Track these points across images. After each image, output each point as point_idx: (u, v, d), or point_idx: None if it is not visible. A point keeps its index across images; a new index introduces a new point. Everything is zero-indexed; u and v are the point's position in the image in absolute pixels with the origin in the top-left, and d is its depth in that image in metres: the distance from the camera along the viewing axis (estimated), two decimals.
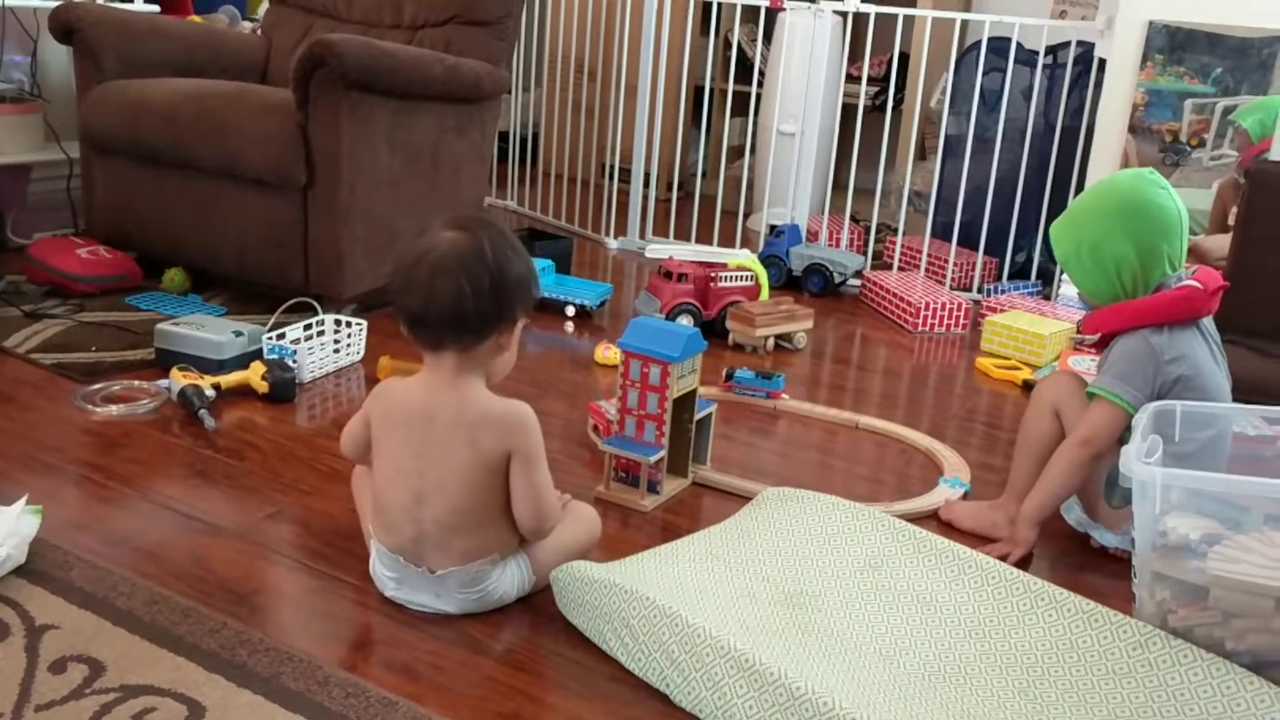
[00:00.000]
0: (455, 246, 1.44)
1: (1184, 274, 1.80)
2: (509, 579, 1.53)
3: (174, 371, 2.19)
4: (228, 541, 1.68)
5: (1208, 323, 1.81)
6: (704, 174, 4.72)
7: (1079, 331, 1.89)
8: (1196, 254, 3.14)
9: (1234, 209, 3.07)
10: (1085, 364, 2.56)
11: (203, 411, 2.08)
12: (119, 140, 2.84)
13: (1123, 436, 1.80)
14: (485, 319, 1.46)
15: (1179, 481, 1.47)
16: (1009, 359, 2.89)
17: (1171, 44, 3.14)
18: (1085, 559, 1.86)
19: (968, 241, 3.56)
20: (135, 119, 2.79)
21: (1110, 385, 1.77)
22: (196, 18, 3.72)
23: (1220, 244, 3.06)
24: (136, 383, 2.24)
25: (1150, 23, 3.15)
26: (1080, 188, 3.34)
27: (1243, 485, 1.49)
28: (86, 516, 1.72)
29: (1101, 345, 1.86)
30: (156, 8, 3.60)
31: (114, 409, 2.13)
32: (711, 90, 4.64)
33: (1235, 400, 1.89)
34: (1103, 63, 3.32)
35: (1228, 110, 3.12)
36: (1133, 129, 3.23)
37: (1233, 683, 1.35)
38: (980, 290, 3.51)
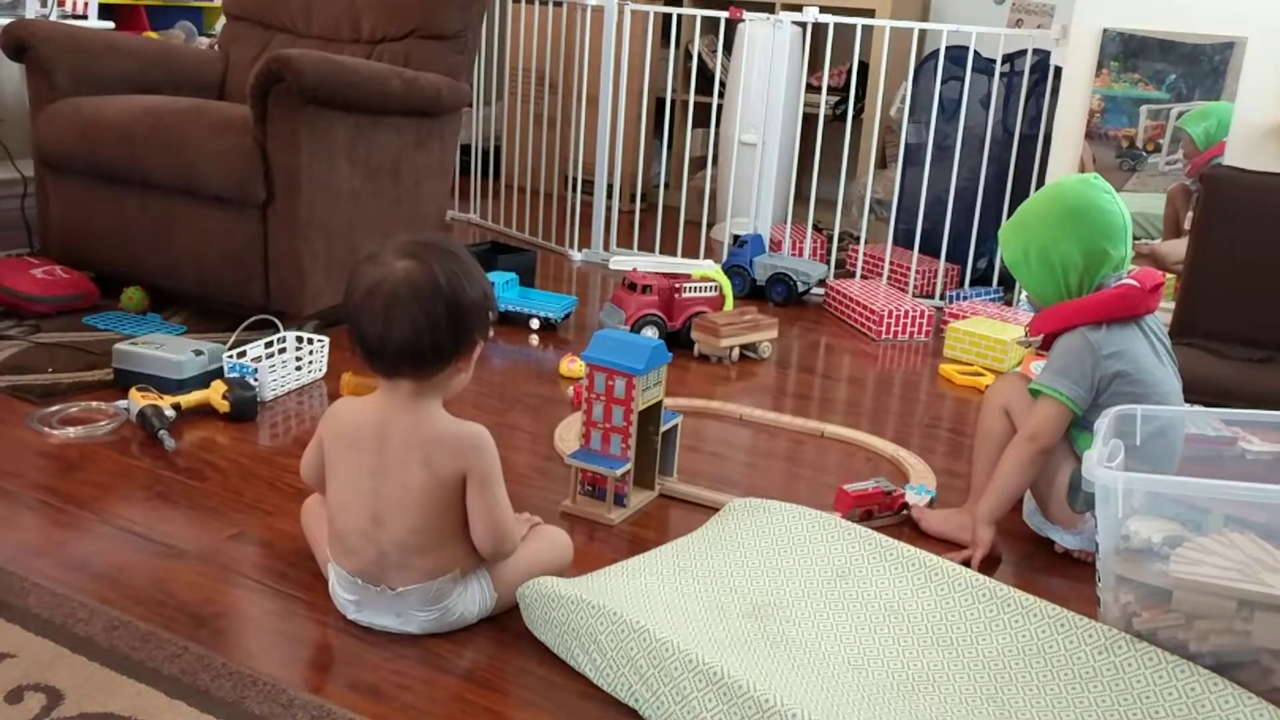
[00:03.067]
0: (409, 278, 1.41)
1: (1124, 274, 1.84)
2: (470, 597, 1.52)
3: (133, 392, 2.16)
4: (189, 564, 1.66)
5: (1152, 321, 1.85)
6: (667, 185, 4.73)
7: (1027, 334, 1.93)
8: (1154, 259, 3.19)
9: (1186, 214, 3.12)
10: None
11: (162, 432, 2.05)
12: (74, 158, 2.81)
13: (1073, 435, 1.82)
14: (441, 351, 1.44)
15: (1140, 485, 1.48)
16: (972, 365, 2.91)
17: (1126, 51, 3.18)
18: (1049, 563, 1.87)
19: (929, 249, 3.59)
20: (90, 137, 2.75)
21: (1050, 381, 1.81)
22: (152, 34, 3.69)
23: (1176, 249, 3.10)
24: (94, 404, 2.21)
25: (1104, 30, 3.19)
26: None
27: (1202, 488, 1.51)
28: (44, 541, 1.69)
29: (1046, 343, 1.89)
30: (111, 24, 3.57)
31: (71, 431, 2.10)
32: (673, 101, 4.65)
33: (1192, 402, 1.91)
34: (1059, 70, 3.35)
35: (1182, 115, 3.17)
36: (1090, 135, 3.27)
37: (1197, 685, 1.36)
38: (942, 297, 3.53)
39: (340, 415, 1.54)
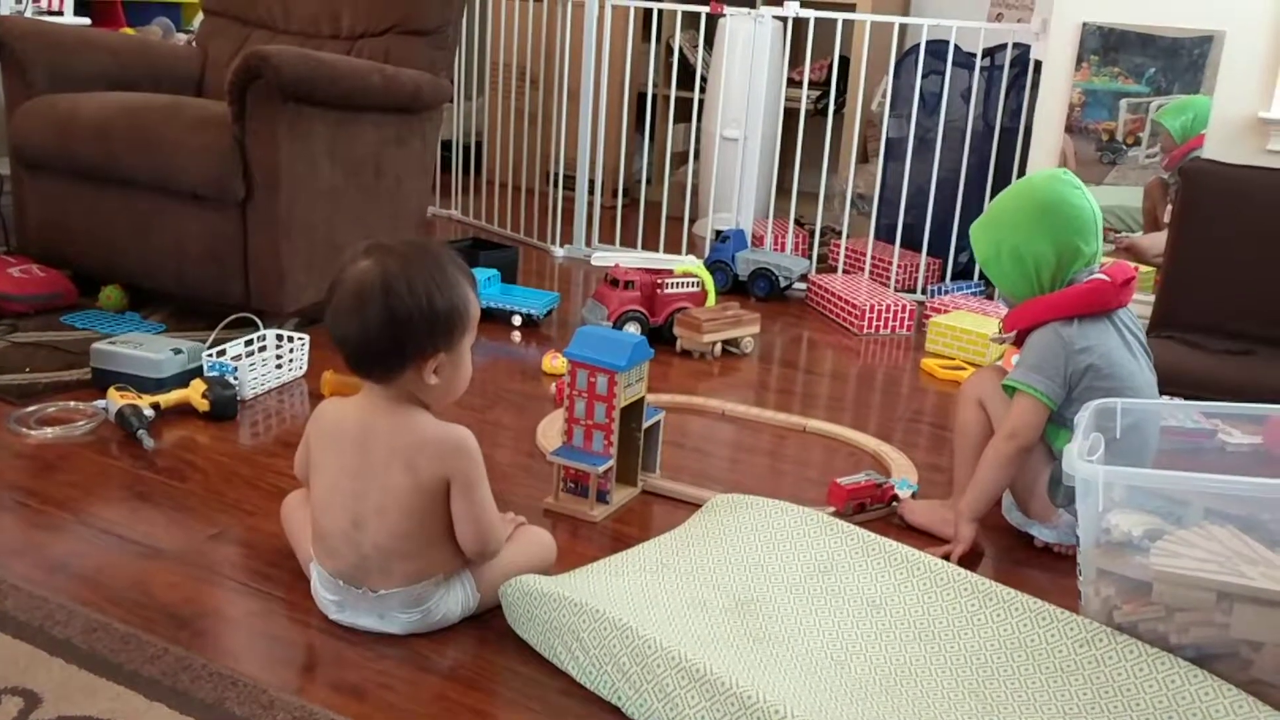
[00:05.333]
0: (355, 280, 1.40)
1: (1096, 269, 1.85)
2: (453, 598, 1.51)
3: (111, 391, 2.14)
4: (169, 565, 1.65)
5: (1126, 315, 1.86)
6: (649, 180, 4.72)
7: (1000, 331, 1.93)
8: (1134, 252, 3.20)
9: (1164, 207, 3.14)
10: None
11: (141, 432, 2.04)
12: (50, 156, 2.78)
13: (1047, 431, 1.83)
14: (384, 356, 1.42)
15: (1121, 479, 1.48)
16: (953, 359, 2.92)
17: (1105, 45, 3.19)
18: (1030, 557, 1.88)
19: (911, 243, 3.59)
20: (67, 134, 2.73)
21: (1024, 377, 1.82)
22: (129, 30, 3.66)
23: (1156, 242, 3.12)
24: (73, 404, 2.19)
25: (1084, 24, 3.20)
26: None
27: (1182, 481, 1.51)
28: (21, 543, 1.68)
29: (1019, 340, 1.90)
30: (87, 20, 3.54)
31: (49, 431, 2.08)
32: (654, 96, 4.64)
33: (1172, 395, 1.92)
34: (1039, 64, 3.36)
35: (1160, 108, 3.18)
36: (1070, 129, 3.28)
37: (1177, 677, 1.37)
38: (924, 291, 3.54)
39: (325, 415, 1.53)
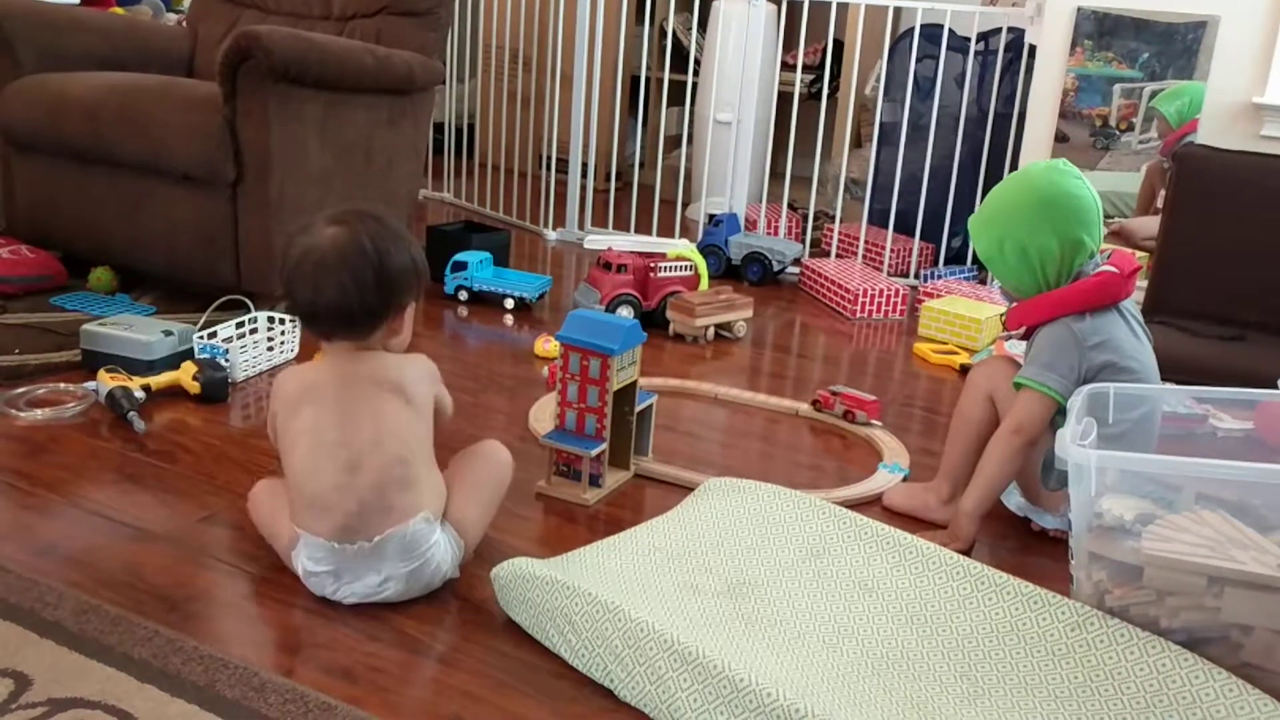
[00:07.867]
0: (335, 243, 1.48)
1: (1100, 259, 1.83)
2: (442, 549, 1.54)
3: (101, 373, 2.13)
4: (160, 547, 1.64)
5: (1128, 303, 1.85)
6: (642, 164, 4.72)
7: (1005, 328, 1.90)
8: (1123, 236, 3.20)
9: (1161, 191, 3.14)
10: (1021, 348, 2.58)
11: (132, 414, 2.03)
12: (40, 136, 2.76)
13: (1055, 421, 1.82)
14: (372, 312, 1.51)
15: (1113, 463, 1.48)
16: (946, 344, 2.92)
17: (1100, 30, 3.18)
18: (1025, 541, 1.88)
19: (904, 228, 3.59)
20: (56, 114, 2.71)
21: (1036, 375, 1.79)
22: (119, 9, 3.63)
23: (1145, 225, 3.12)
24: (62, 385, 2.18)
25: (1079, 9, 3.19)
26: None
27: (1174, 465, 1.51)
28: (11, 525, 1.67)
29: (1027, 335, 1.88)
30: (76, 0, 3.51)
31: (39, 413, 2.07)
32: (648, 79, 4.63)
33: (1164, 380, 1.92)
34: (1033, 49, 3.36)
35: (1155, 94, 3.18)
36: (1064, 114, 3.28)
37: (1168, 660, 1.37)
38: (917, 276, 3.54)
39: (290, 382, 1.58)
